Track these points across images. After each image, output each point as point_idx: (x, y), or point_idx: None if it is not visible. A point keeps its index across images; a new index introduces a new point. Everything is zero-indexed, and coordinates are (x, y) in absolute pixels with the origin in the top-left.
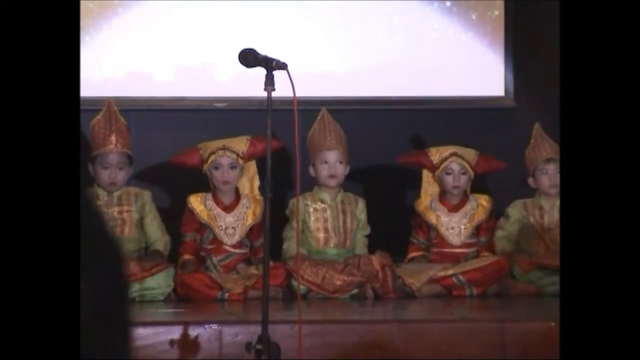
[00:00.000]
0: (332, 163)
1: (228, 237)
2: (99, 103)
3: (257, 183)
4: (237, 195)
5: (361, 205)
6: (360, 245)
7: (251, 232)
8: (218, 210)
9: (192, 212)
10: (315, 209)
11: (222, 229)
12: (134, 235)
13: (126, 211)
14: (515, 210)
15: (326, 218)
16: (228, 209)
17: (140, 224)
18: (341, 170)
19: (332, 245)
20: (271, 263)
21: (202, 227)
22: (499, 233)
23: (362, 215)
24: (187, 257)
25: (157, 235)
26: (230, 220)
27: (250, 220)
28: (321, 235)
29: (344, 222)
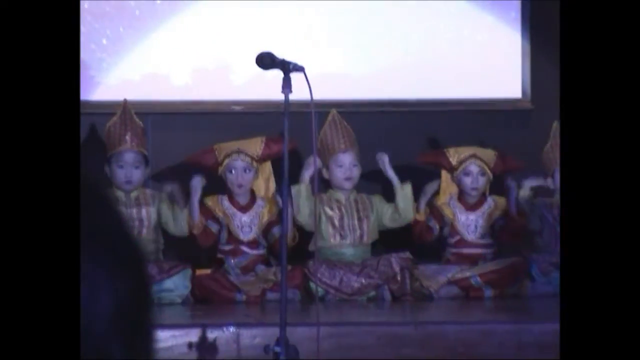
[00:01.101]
0: (347, 166)
1: (244, 234)
2: (115, 106)
3: (272, 184)
4: (253, 197)
5: (375, 199)
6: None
7: (268, 225)
8: (234, 210)
9: (208, 208)
10: (331, 208)
11: (238, 227)
12: (151, 236)
13: (144, 212)
14: (532, 208)
15: (341, 217)
16: (244, 209)
17: (158, 225)
18: (356, 172)
19: (348, 242)
20: (289, 267)
21: (218, 221)
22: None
23: (378, 200)
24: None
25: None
26: (247, 220)
27: (266, 218)
28: (337, 233)
29: (359, 219)
